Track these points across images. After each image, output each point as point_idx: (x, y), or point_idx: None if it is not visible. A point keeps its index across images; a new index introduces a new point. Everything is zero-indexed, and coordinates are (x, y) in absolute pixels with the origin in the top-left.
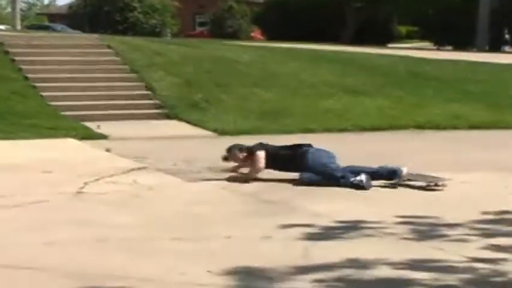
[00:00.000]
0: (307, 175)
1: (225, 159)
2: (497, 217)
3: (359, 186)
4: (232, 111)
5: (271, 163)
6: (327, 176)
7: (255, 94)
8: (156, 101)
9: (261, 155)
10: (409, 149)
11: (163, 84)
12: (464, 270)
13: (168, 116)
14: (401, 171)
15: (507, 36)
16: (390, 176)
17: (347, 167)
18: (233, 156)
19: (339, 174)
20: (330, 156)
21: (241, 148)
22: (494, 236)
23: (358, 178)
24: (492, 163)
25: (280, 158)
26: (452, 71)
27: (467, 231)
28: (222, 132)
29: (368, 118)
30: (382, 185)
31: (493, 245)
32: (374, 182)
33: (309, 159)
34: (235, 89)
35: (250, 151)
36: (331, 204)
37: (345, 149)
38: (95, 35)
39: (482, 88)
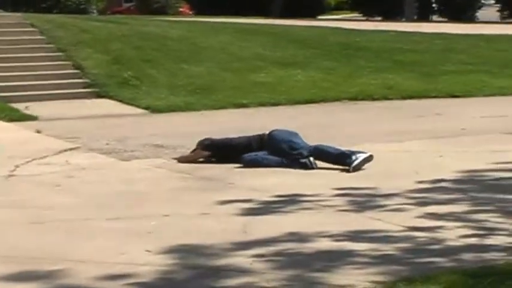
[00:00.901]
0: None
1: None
2: (432, 185)
3: (305, 166)
4: (163, 88)
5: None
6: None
7: (185, 69)
8: (86, 80)
9: (203, 154)
10: (341, 121)
11: (91, 62)
12: (402, 239)
13: (98, 95)
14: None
15: (434, 5)
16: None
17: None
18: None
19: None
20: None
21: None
22: (430, 204)
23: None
24: (425, 132)
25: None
26: (382, 41)
27: (403, 200)
28: (154, 110)
29: (301, 91)
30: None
31: (429, 214)
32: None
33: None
34: (165, 65)
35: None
36: (268, 179)
37: (278, 123)
38: (18, 14)
39: (413, 58)
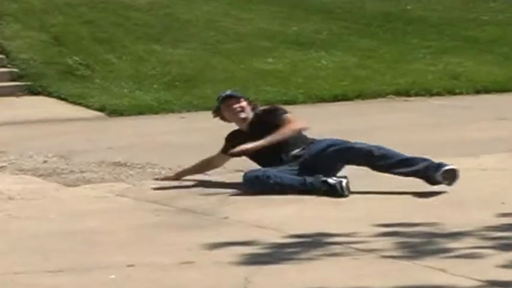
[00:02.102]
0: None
1: (217, 112)
2: None
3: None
4: (126, 80)
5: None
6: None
7: (158, 52)
8: (13, 69)
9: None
10: (386, 126)
11: (20, 43)
12: None
13: (31, 91)
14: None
15: None
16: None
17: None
18: (239, 104)
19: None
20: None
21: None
22: None
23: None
24: (510, 142)
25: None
26: (446, 10)
27: (478, 242)
28: (113, 111)
29: (326, 83)
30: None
31: None
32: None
33: None
34: (128, 46)
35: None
36: (279, 211)
37: None
38: None
39: (492, 33)
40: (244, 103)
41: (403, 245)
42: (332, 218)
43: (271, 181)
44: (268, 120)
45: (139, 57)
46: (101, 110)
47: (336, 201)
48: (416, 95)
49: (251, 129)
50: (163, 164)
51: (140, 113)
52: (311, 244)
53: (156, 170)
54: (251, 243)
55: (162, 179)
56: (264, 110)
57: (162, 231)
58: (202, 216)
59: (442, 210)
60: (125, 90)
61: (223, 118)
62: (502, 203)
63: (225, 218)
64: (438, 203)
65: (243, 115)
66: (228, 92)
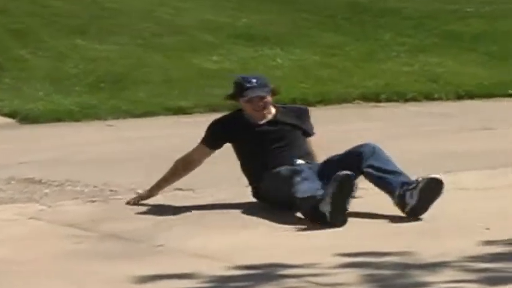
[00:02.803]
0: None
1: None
2: (508, 250)
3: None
4: (41, 80)
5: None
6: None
7: (81, 48)
8: None
9: None
10: (352, 136)
11: None
12: None
13: None
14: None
15: None
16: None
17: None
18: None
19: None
20: None
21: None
22: (506, 283)
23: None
24: (495, 155)
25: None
26: (423, 0)
27: (458, 275)
28: (26, 118)
29: (282, 84)
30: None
31: None
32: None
33: None
34: (45, 40)
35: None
36: (224, 237)
37: None
38: None
39: (477, 28)
40: (269, 99)
41: (371, 279)
42: (288, 247)
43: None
44: (293, 123)
45: (59, 53)
46: (11, 115)
47: (294, 227)
48: (388, 100)
49: (268, 125)
50: (86, 181)
51: (58, 119)
52: (262, 277)
53: (78, 189)
54: (190, 276)
55: (134, 203)
56: (292, 109)
57: (82, 262)
58: (131, 244)
59: (416, 237)
60: (40, 93)
61: (236, 101)
62: (487, 229)
63: (160, 245)
64: (412, 229)
65: (265, 113)
66: (254, 82)
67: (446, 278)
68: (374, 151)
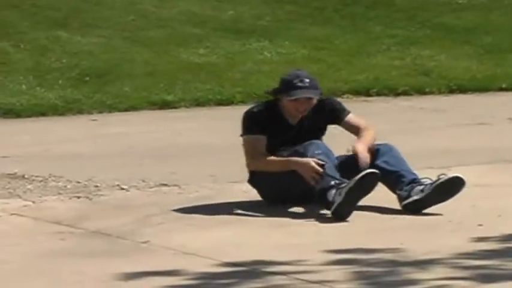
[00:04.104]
0: None
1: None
2: (502, 246)
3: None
4: (23, 74)
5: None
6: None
7: (64, 41)
8: None
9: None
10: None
11: None
12: None
13: None
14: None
15: None
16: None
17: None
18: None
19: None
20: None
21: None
22: (498, 280)
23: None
24: (488, 151)
25: None
26: None
27: (450, 272)
28: (6, 112)
29: (269, 79)
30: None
31: None
32: None
33: None
34: (26, 32)
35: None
36: (210, 233)
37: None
38: None
39: (471, 20)
40: (314, 101)
41: (360, 276)
42: (275, 243)
43: None
44: (325, 116)
45: (41, 46)
46: None
47: (281, 224)
48: (379, 94)
49: (299, 126)
50: (69, 176)
51: (42, 114)
52: (249, 274)
53: (61, 184)
54: (176, 273)
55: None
56: (322, 102)
57: (67, 259)
58: (117, 241)
59: (407, 234)
60: (23, 87)
61: (275, 97)
62: (479, 225)
63: (145, 242)
64: (402, 225)
65: (301, 115)
66: (307, 82)
67: (437, 276)
68: (391, 150)
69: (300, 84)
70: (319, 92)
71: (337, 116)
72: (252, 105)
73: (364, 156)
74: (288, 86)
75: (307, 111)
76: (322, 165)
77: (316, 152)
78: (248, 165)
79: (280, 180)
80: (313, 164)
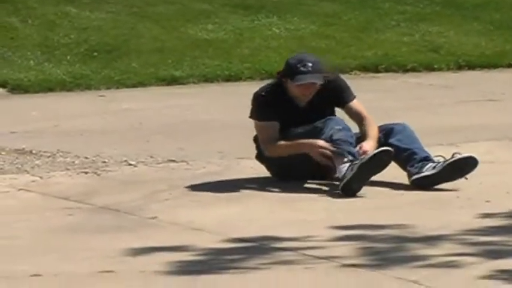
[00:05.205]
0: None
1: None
2: (510, 222)
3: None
4: (32, 49)
5: None
6: None
7: (72, 16)
8: None
9: None
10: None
11: None
12: None
13: None
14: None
15: None
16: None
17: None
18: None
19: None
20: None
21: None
22: (506, 256)
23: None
24: (498, 128)
25: None
26: None
27: (458, 248)
28: (14, 88)
29: (277, 55)
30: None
31: (503, 271)
32: None
33: None
34: (35, 7)
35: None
36: (218, 209)
37: (237, 113)
38: None
39: None
40: (318, 85)
41: (367, 252)
42: (283, 219)
43: None
44: (330, 96)
45: (49, 22)
46: (1, 85)
47: (289, 199)
48: (387, 70)
49: (308, 107)
50: (77, 152)
51: (50, 89)
52: (257, 250)
53: (69, 160)
54: (184, 248)
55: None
56: (330, 82)
57: (75, 235)
58: (124, 216)
59: (415, 210)
60: (31, 62)
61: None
62: (487, 202)
63: (153, 218)
64: (410, 201)
65: (309, 97)
66: (309, 67)
67: (444, 252)
68: (405, 128)
69: (302, 69)
70: (322, 75)
71: (342, 99)
72: (261, 88)
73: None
74: (291, 70)
75: (312, 95)
76: (335, 144)
77: (336, 127)
78: (263, 151)
79: (289, 157)
80: (322, 143)
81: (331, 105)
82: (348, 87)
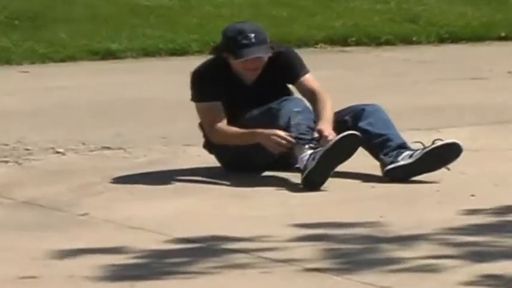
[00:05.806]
0: None
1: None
2: (495, 219)
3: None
4: None
5: None
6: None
7: None
8: None
9: None
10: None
11: None
12: None
13: None
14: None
15: None
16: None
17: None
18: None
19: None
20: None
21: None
22: (490, 259)
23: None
24: (484, 109)
25: None
26: None
27: (437, 250)
28: None
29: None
30: None
31: (486, 276)
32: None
33: None
34: None
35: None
36: (160, 205)
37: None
38: None
39: None
40: (266, 59)
41: (332, 254)
42: (235, 216)
43: None
44: (280, 71)
45: None
46: None
47: (242, 193)
48: (358, 43)
49: (257, 84)
50: (8, 140)
51: None
52: (205, 251)
53: None
54: (120, 250)
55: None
56: (279, 54)
57: None
58: (51, 212)
59: (388, 205)
60: None
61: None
62: (472, 196)
63: (84, 214)
64: (382, 195)
65: (257, 73)
66: (252, 38)
67: (422, 254)
68: (377, 111)
69: (244, 41)
70: (267, 46)
71: (293, 73)
72: (199, 65)
73: (334, 137)
74: (231, 44)
75: (259, 70)
76: (297, 138)
77: (294, 109)
78: (207, 136)
79: (242, 147)
80: (282, 133)
81: (283, 82)
82: (299, 60)
